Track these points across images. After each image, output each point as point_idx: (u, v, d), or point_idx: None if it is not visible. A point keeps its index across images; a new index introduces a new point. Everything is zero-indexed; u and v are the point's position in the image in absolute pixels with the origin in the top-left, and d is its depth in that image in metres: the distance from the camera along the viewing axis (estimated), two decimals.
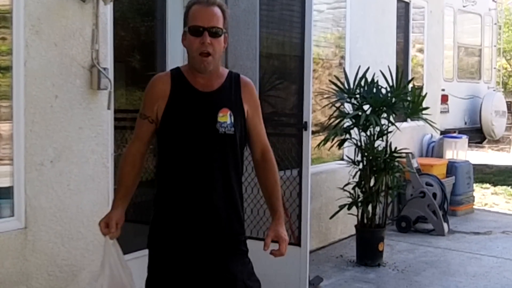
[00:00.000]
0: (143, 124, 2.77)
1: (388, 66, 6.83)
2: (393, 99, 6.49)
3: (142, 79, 6.80)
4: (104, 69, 4.38)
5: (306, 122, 4.93)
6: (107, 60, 4.46)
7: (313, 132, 6.08)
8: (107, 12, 4.46)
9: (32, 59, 3.95)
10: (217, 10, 2.73)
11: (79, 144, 4.27)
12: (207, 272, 2.71)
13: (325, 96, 6.72)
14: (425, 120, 6.79)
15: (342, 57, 7.65)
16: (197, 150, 2.68)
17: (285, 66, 6.39)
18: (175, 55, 5.50)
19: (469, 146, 10.34)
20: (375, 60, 7.55)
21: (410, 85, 7.16)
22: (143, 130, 2.77)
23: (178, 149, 2.70)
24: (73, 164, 4.22)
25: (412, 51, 9.57)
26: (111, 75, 4.48)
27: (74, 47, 4.22)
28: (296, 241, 4.91)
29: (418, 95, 6.82)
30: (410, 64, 9.46)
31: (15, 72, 3.91)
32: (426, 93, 7.13)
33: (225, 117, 2.68)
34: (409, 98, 6.72)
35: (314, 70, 7.06)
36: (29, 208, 3.95)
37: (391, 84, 6.55)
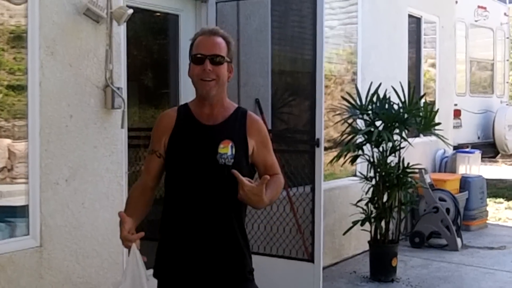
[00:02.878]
0: (151, 159, 2.79)
1: (400, 82, 6.87)
2: (405, 115, 6.51)
3: (155, 97, 6.89)
4: (118, 88, 4.44)
5: (318, 139, 4.95)
6: (121, 80, 4.53)
7: (325, 148, 6.12)
8: (120, 32, 4.53)
9: (47, 80, 4.02)
10: (220, 39, 2.73)
11: (93, 162, 4.33)
12: None
13: (337, 112, 6.74)
14: (437, 135, 6.79)
15: (355, 73, 7.67)
16: (197, 181, 2.69)
17: (297, 82, 6.44)
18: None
19: (482, 160, 10.29)
20: (387, 75, 7.57)
21: (422, 101, 7.17)
22: (151, 164, 2.79)
23: (180, 180, 2.72)
24: (87, 183, 4.28)
25: (424, 66, 9.58)
26: (124, 94, 4.54)
27: (88, 67, 4.29)
28: (309, 257, 4.92)
29: (430, 111, 6.82)
30: (422, 79, 9.46)
31: (31, 92, 3.98)
32: (438, 109, 7.14)
33: (226, 149, 2.68)
34: (421, 114, 6.73)
35: (326, 86, 7.09)
36: (44, 226, 4.00)
37: (403, 99, 6.57)
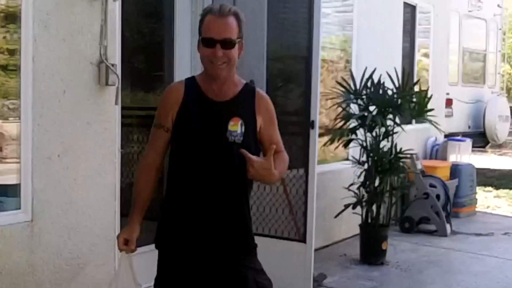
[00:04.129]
0: (159, 134, 2.74)
1: (395, 68, 6.86)
2: (399, 101, 6.52)
3: (149, 80, 6.83)
4: (112, 65, 4.40)
5: (313, 121, 4.94)
6: (115, 56, 4.48)
7: (319, 135, 6.11)
8: (115, 8, 4.48)
9: (40, 54, 3.98)
10: (231, 20, 2.62)
11: (86, 139, 4.30)
12: (217, 271, 2.71)
13: (331, 97, 6.73)
14: (430, 121, 6.80)
15: (347, 61, 7.65)
16: (206, 158, 2.67)
17: (292, 66, 6.40)
18: (183, 55, 5.52)
19: (472, 150, 10.33)
20: (382, 63, 7.52)
21: (416, 87, 7.17)
22: (159, 140, 2.74)
23: (188, 156, 2.69)
24: (80, 159, 4.25)
25: (417, 56, 9.58)
26: (118, 71, 4.49)
27: (82, 43, 4.25)
28: (301, 237, 4.93)
29: (424, 97, 6.84)
30: (416, 68, 9.47)
31: (24, 67, 3.94)
32: (431, 95, 7.13)
33: (236, 126, 2.66)
34: (414, 100, 6.74)
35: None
36: (36, 201, 3.97)
37: (397, 85, 6.58)
